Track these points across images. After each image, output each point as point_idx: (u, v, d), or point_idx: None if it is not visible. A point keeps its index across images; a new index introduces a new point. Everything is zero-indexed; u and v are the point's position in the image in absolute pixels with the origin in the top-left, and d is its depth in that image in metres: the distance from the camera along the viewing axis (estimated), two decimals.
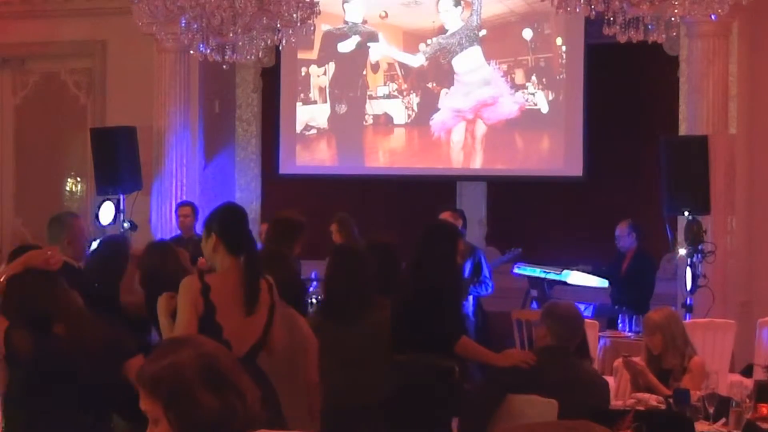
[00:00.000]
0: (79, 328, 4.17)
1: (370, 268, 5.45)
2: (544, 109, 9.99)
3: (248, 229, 4.62)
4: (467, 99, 10.24)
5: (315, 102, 10.80)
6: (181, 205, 9.67)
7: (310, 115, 10.81)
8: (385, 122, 10.61)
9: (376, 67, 10.61)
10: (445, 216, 8.61)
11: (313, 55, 10.72)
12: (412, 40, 10.46)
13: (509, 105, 10.11)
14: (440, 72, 10.35)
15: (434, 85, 10.40)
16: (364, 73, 10.63)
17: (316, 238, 8.81)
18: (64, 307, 4.19)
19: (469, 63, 10.23)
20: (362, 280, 5.37)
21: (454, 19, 10.27)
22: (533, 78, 10.02)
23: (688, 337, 5.83)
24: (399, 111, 10.53)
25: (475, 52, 10.20)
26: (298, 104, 10.81)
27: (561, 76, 9.93)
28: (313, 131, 10.82)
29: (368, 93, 10.64)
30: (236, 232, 4.51)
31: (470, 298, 8.79)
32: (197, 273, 4.54)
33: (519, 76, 10.10)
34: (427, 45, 10.38)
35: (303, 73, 10.79)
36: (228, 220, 4.56)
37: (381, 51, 10.56)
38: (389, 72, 10.58)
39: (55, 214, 6.75)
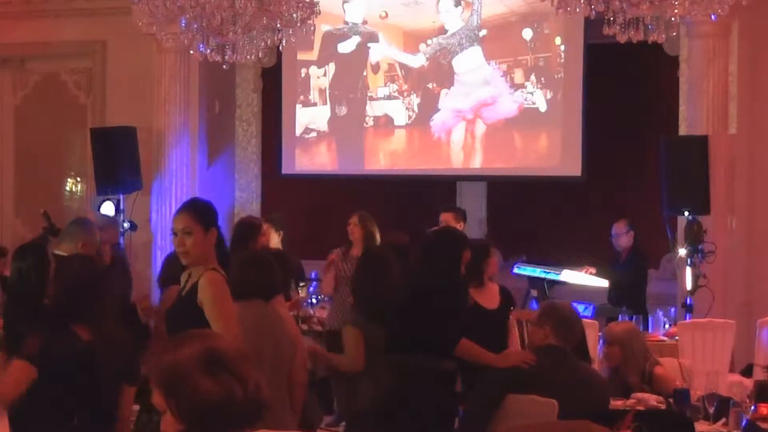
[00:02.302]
0: (104, 335, 4.17)
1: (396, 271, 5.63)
2: (543, 107, 9.99)
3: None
4: (467, 99, 10.24)
5: (315, 104, 10.78)
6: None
7: (310, 117, 10.80)
8: (385, 123, 10.60)
9: (376, 68, 10.61)
10: (447, 218, 8.59)
11: (313, 55, 10.72)
12: (412, 40, 10.45)
13: (508, 104, 10.10)
14: (440, 72, 10.35)
15: (434, 85, 10.39)
16: (365, 73, 10.63)
17: (316, 238, 8.84)
18: (94, 313, 4.20)
19: (469, 63, 10.23)
20: (388, 285, 5.61)
21: (454, 20, 10.27)
22: (532, 77, 10.02)
23: (649, 353, 5.84)
24: (399, 112, 10.52)
25: (475, 52, 10.20)
26: (298, 106, 10.81)
27: (559, 75, 9.92)
28: (313, 134, 10.81)
29: (369, 94, 10.63)
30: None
31: None
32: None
33: (518, 75, 10.09)
34: (428, 45, 10.37)
35: (303, 75, 10.79)
36: (217, 217, 4.54)
37: (381, 51, 10.55)
38: (389, 72, 10.58)
39: (78, 217, 7.00)
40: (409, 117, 10.48)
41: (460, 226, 8.63)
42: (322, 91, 10.74)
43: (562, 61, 9.90)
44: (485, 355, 5.76)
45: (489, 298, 6.44)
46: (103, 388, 4.15)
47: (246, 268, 4.96)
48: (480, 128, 10.24)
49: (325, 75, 10.72)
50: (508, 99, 10.10)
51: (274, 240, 8.54)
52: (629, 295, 8.69)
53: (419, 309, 5.52)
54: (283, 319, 5.06)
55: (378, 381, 5.45)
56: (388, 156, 10.68)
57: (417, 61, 10.42)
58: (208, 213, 4.47)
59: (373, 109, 10.60)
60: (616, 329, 5.86)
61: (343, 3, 10.56)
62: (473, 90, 10.21)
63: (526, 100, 10.04)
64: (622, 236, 8.94)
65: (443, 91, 10.32)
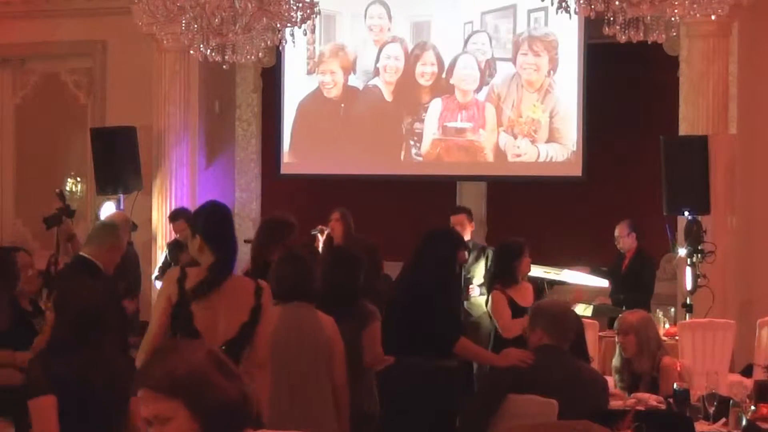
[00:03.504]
0: (101, 355, 4.19)
1: (358, 273, 5.50)
2: (542, 108, 9.99)
3: (230, 230, 4.65)
4: (467, 99, 10.24)
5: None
6: (174, 219, 9.40)
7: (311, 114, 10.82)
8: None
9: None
10: (460, 220, 8.65)
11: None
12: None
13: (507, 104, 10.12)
14: (440, 73, 10.35)
15: (434, 85, 10.40)
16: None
17: (310, 238, 8.82)
18: (98, 339, 4.21)
19: (469, 63, 10.24)
20: (345, 284, 5.43)
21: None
22: (532, 77, 10.02)
23: (661, 342, 5.85)
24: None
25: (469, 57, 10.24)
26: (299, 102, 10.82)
27: (559, 75, 9.92)
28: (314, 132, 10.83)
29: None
30: (219, 234, 4.55)
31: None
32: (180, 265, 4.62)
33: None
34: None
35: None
36: (212, 222, 4.60)
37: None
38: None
39: (107, 220, 7.00)
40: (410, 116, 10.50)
41: (471, 227, 8.72)
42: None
43: (563, 61, 9.91)
44: (484, 354, 5.77)
45: (524, 295, 6.59)
46: (102, 406, 4.14)
47: (281, 268, 5.05)
48: (479, 128, 10.23)
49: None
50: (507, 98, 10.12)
51: None
52: (632, 296, 8.67)
53: (416, 309, 5.50)
54: (321, 321, 5.06)
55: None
56: (389, 156, 10.68)
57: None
58: (193, 220, 4.73)
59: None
60: (630, 318, 5.80)
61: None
62: (472, 90, 10.22)
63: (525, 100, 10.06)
64: (624, 238, 8.94)
65: (444, 93, 10.33)
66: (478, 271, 8.62)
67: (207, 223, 4.57)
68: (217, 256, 4.49)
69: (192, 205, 10.01)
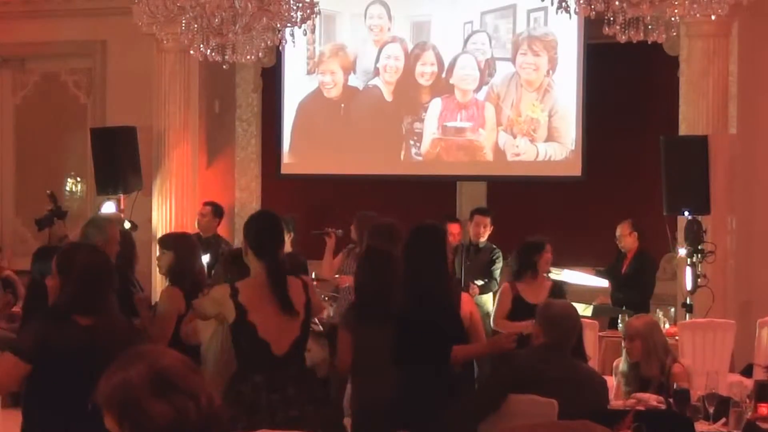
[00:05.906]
0: (104, 320, 4.20)
1: (399, 271, 5.53)
2: (542, 107, 9.99)
3: (272, 235, 4.79)
4: (467, 98, 10.24)
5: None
6: (204, 204, 9.76)
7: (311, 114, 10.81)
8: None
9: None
10: (484, 221, 8.98)
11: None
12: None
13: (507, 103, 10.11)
14: (440, 72, 10.35)
15: (434, 85, 10.40)
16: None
17: (316, 238, 8.82)
18: (98, 303, 4.21)
19: (469, 63, 10.24)
20: (391, 284, 5.46)
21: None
22: (532, 77, 10.02)
23: (668, 347, 5.84)
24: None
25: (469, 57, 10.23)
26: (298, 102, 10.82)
27: (560, 76, 9.92)
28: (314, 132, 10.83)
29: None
30: (260, 238, 4.72)
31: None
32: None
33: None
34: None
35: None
36: (254, 227, 4.79)
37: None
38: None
39: (93, 216, 6.99)
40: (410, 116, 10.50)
41: (490, 229, 8.84)
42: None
43: (562, 61, 9.91)
44: (477, 349, 5.78)
45: (537, 292, 6.59)
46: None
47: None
48: (479, 128, 10.24)
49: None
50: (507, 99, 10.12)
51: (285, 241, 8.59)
52: (632, 296, 8.67)
53: (413, 317, 5.43)
54: None
55: (374, 385, 5.41)
56: (389, 156, 10.68)
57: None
58: (244, 229, 4.89)
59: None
60: (636, 323, 5.80)
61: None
62: (472, 90, 10.22)
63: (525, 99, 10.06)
64: (626, 237, 8.94)
65: (443, 93, 10.33)
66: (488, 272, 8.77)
67: (249, 229, 4.77)
68: (266, 265, 4.61)
69: (192, 206, 10.05)
